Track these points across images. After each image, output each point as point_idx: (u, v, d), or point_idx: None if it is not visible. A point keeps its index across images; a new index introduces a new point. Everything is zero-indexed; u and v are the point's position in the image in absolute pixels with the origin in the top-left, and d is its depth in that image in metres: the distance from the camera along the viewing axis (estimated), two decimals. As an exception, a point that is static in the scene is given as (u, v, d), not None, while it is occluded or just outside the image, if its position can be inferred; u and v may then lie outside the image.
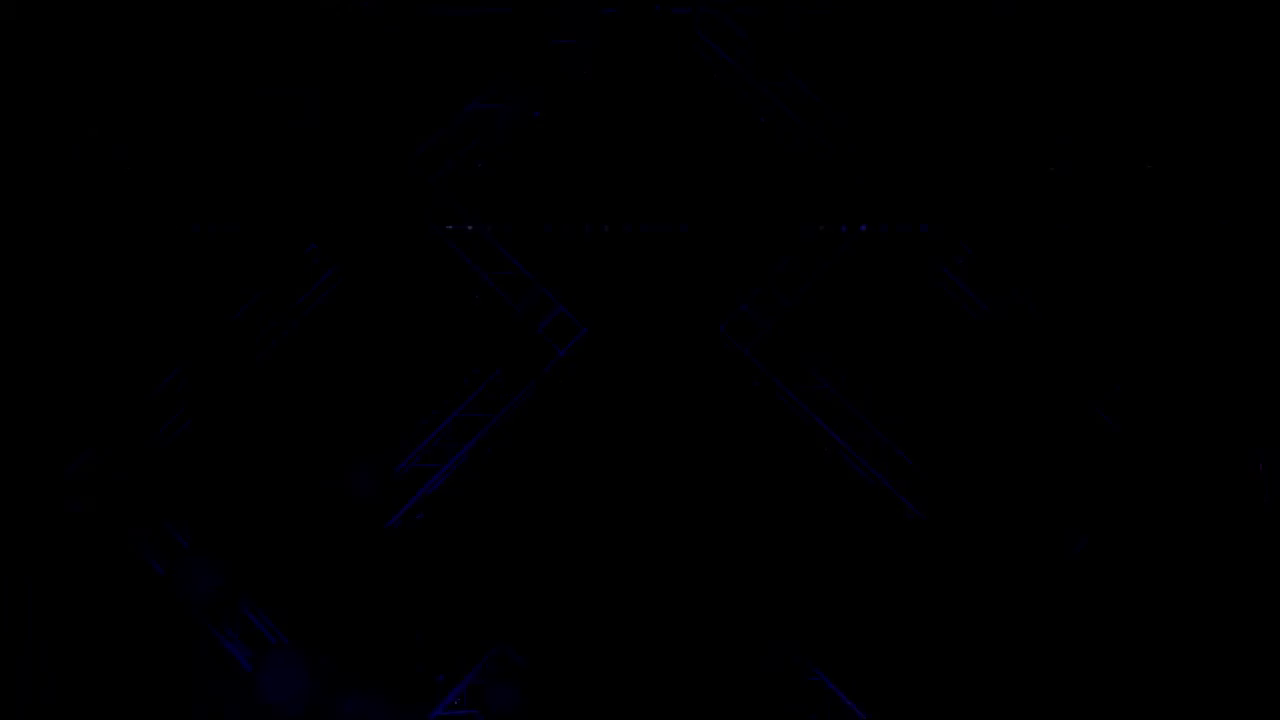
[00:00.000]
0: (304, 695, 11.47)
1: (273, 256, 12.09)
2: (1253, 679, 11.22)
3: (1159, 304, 11.81)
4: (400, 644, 11.62)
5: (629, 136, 12.02)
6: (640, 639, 11.52)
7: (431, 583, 11.71)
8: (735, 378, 11.95)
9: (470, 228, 12.18)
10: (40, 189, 12.00)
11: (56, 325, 11.93)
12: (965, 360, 11.85)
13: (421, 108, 12.08)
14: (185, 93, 12.00)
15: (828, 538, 11.67)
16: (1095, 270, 11.89)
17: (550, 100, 12.09)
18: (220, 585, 11.66)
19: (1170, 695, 11.28)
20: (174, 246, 12.09)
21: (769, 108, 12.04)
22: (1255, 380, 11.62)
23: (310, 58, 11.98)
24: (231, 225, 12.10)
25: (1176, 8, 11.72)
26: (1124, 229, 11.90)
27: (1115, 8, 11.78)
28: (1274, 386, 11.57)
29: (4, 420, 11.78)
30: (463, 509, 11.85)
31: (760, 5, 11.99)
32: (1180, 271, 11.84)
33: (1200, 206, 11.88)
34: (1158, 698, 11.30)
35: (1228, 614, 11.36)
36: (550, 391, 11.97)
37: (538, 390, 11.97)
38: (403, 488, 11.85)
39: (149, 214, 12.10)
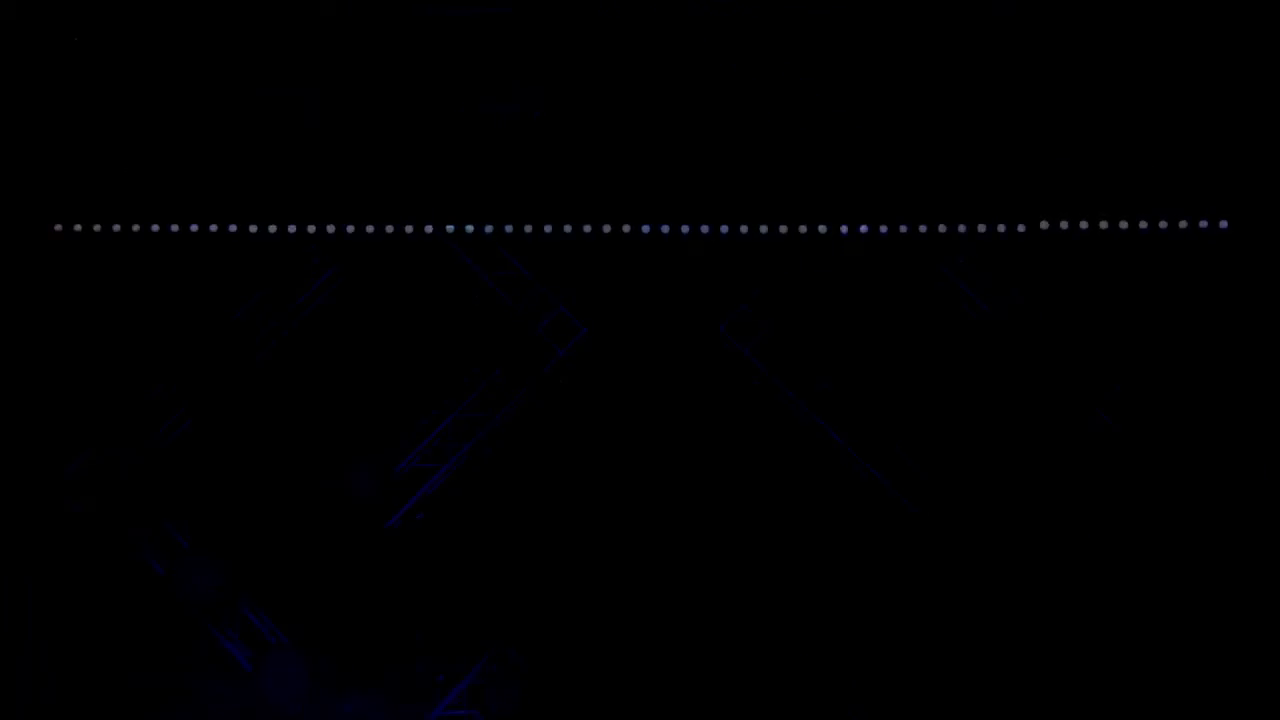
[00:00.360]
0: (304, 694, 11.49)
1: (273, 256, 12.10)
2: (1254, 682, 11.20)
3: (1160, 304, 11.79)
4: (400, 644, 11.62)
5: (629, 136, 12.01)
6: (640, 639, 11.52)
7: (431, 583, 11.71)
8: (735, 378, 11.94)
9: (470, 228, 12.19)
10: (36, 186, 12.04)
11: (56, 325, 11.96)
12: (965, 360, 11.84)
13: (421, 107, 12.06)
14: (184, 92, 12.00)
15: (828, 538, 11.66)
16: (1096, 270, 11.88)
17: (551, 100, 12.07)
18: (220, 585, 11.66)
19: (1170, 695, 11.26)
20: (175, 246, 12.14)
21: (770, 107, 12.02)
22: (1256, 380, 11.60)
23: (310, 57, 11.97)
24: (231, 225, 12.15)
25: (1178, 6, 11.71)
26: (1125, 227, 11.90)
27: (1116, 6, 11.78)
28: (1275, 386, 11.56)
29: (4, 419, 11.80)
30: (463, 509, 11.85)
31: (760, 5, 11.97)
32: (1181, 271, 11.83)
33: (1201, 205, 11.88)
34: (1157, 697, 11.29)
35: (1228, 615, 11.34)
36: (550, 391, 11.97)
37: (538, 390, 11.97)
38: (403, 488, 11.85)
39: (147, 213, 12.15)
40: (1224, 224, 11.88)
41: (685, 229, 12.12)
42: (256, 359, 11.99)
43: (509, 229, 12.17)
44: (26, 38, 11.85)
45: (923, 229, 12.01)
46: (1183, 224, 11.91)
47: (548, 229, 12.17)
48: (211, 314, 12.03)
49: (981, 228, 12.00)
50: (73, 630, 11.59)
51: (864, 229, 12.06)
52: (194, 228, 12.19)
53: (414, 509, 11.82)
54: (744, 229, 12.08)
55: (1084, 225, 11.94)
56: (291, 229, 12.17)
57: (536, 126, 12.09)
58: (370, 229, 12.17)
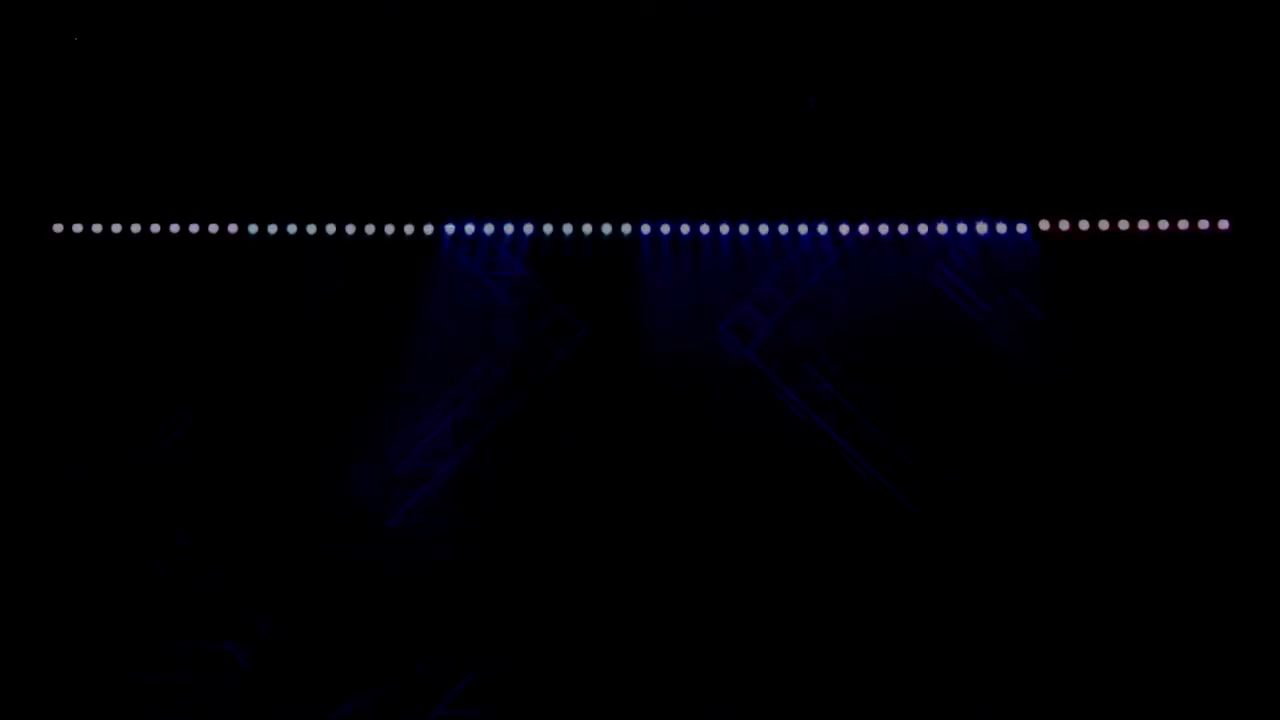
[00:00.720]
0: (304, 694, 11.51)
1: (272, 257, 12.11)
2: (1254, 685, 11.20)
3: (1160, 303, 11.80)
4: (400, 644, 11.61)
5: (630, 137, 12.01)
6: (641, 636, 11.52)
7: (432, 582, 11.70)
8: (735, 378, 11.95)
9: (470, 228, 12.20)
10: (36, 186, 12.06)
11: (56, 325, 11.97)
12: (965, 360, 11.83)
13: (422, 108, 12.05)
14: (184, 93, 11.99)
15: (827, 538, 11.66)
16: (1096, 269, 11.89)
17: (551, 102, 12.05)
18: (221, 585, 11.66)
19: (1167, 693, 11.26)
20: (175, 246, 12.16)
21: (771, 108, 12.02)
22: (1256, 378, 11.61)
23: (308, 59, 11.95)
24: (230, 225, 12.16)
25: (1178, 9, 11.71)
26: (1125, 227, 11.92)
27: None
28: (1274, 386, 11.57)
29: (4, 420, 11.81)
30: (463, 509, 11.85)
31: (761, 6, 11.96)
32: (1181, 271, 11.84)
33: (1201, 205, 11.90)
34: (1155, 695, 11.29)
35: (1227, 613, 11.34)
36: (550, 391, 11.97)
37: (537, 390, 11.97)
38: (403, 488, 11.85)
39: (147, 213, 12.17)
40: (1224, 224, 11.91)
41: (685, 229, 12.13)
42: (256, 359, 11.98)
43: (509, 229, 12.19)
44: (26, 38, 11.84)
45: (923, 229, 12.02)
46: (1183, 224, 11.94)
47: (548, 229, 12.18)
48: (211, 314, 12.03)
49: (982, 228, 12.02)
50: (71, 630, 11.59)
51: (864, 229, 12.08)
52: (194, 228, 12.21)
53: (414, 509, 11.82)
54: (744, 229, 12.10)
55: (1084, 225, 11.96)
56: (291, 229, 12.19)
57: (538, 128, 12.08)
58: (370, 229, 12.19)
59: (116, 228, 12.19)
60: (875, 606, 11.54)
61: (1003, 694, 11.34)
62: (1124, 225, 11.94)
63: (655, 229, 12.14)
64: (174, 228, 12.22)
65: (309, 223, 12.17)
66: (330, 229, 12.16)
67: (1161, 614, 11.36)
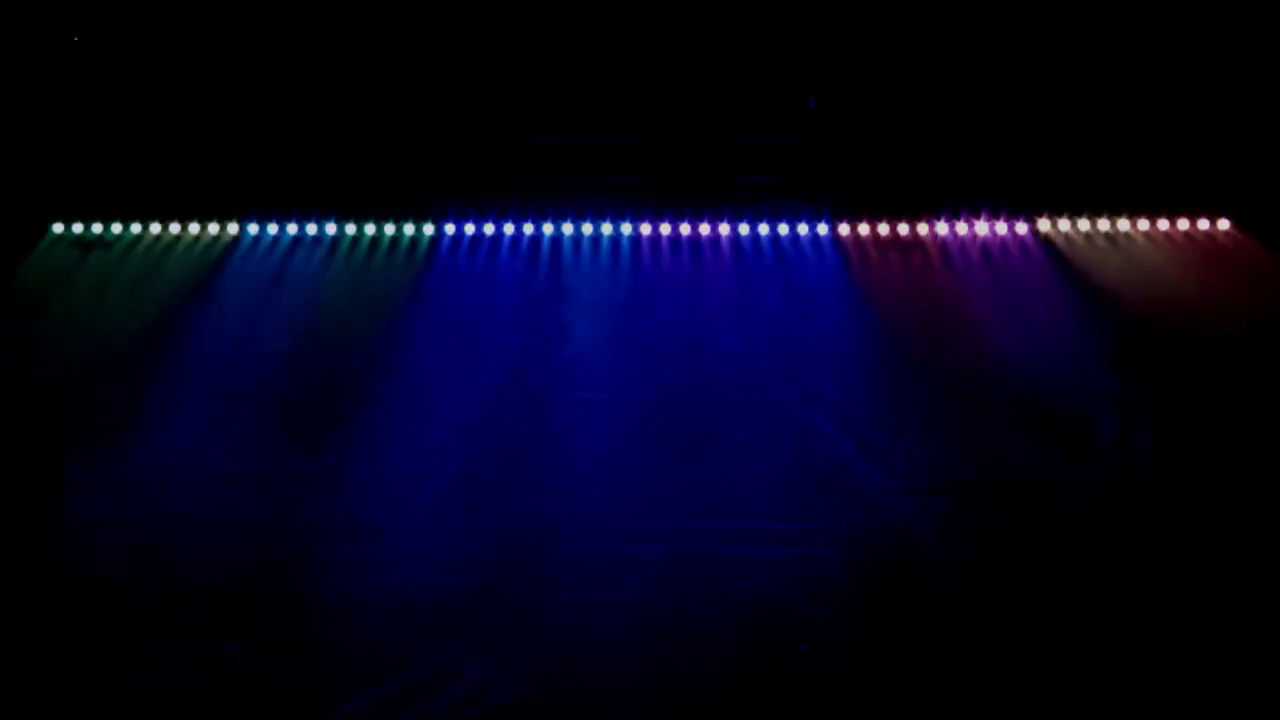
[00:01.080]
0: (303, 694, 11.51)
1: (273, 256, 12.12)
2: (1258, 686, 11.21)
3: (1160, 303, 11.81)
4: (400, 644, 11.62)
5: (628, 136, 12.02)
6: (639, 636, 11.52)
7: (432, 582, 11.71)
8: (736, 378, 11.95)
9: (471, 226, 12.21)
10: (36, 186, 12.08)
11: (56, 325, 11.99)
12: (965, 360, 11.84)
13: (420, 109, 12.05)
14: (186, 94, 12.00)
15: (827, 537, 11.67)
16: (1096, 269, 11.90)
17: (549, 101, 12.06)
18: (222, 584, 11.67)
19: (1166, 695, 11.27)
20: (175, 246, 12.17)
21: (767, 107, 12.03)
22: (1255, 379, 11.62)
23: (306, 60, 11.95)
24: (230, 224, 12.19)
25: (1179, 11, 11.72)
26: (1125, 228, 11.93)
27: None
28: (1274, 385, 11.58)
29: (4, 420, 11.82)
30: (463, 509, 11.86)
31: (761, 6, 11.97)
32: (1181, 270, 11.85)
33: (1201, 205, 11.92)
34: (1154, 698, 11.30)
35: (1229, 615, 11.35)
36: (550, 391, 11.98)
37: (537, 389, 11.97)
38: (403, 488, 11.85)
39: (147, 213, 12.19)
40: (1224, 224, 11.93)
41: (685, 228, 12.15)
42: (256, 358, 11.99)
43: (507, 229, 12.20)
44: (26, 38, 11.84)
45: (923, 229, 12.04)
46: (1183, 224, 11.96)
47: (547, 229, 12.20)
48: (210, 314, 12.04)
49: (982, 228, 12.03)
50: (71, 630, 11.59)
51: (864, 229, 12.10)
52: (194, 228, 12.24)
53: (414, 509, 11.82)
54: (744, 228, 12.12)
55: (1084, 225, 11.98)
56: (291, 229, 12.21)
57: (536, 128, 12.09)
58: (370, 229, 12.21)
59: (117, 228, 12.23)
60: (875, 606, 11.54)
61: (1003, 694, 11.34)
62: (1124, 225, 11.97)
63: (655, 229, 12.15)
64: (174, 228, 12.26)
65: (308, 223, 12.19)
66: (330, 229, 12.18)
67: (1162, 614, 11.36)
